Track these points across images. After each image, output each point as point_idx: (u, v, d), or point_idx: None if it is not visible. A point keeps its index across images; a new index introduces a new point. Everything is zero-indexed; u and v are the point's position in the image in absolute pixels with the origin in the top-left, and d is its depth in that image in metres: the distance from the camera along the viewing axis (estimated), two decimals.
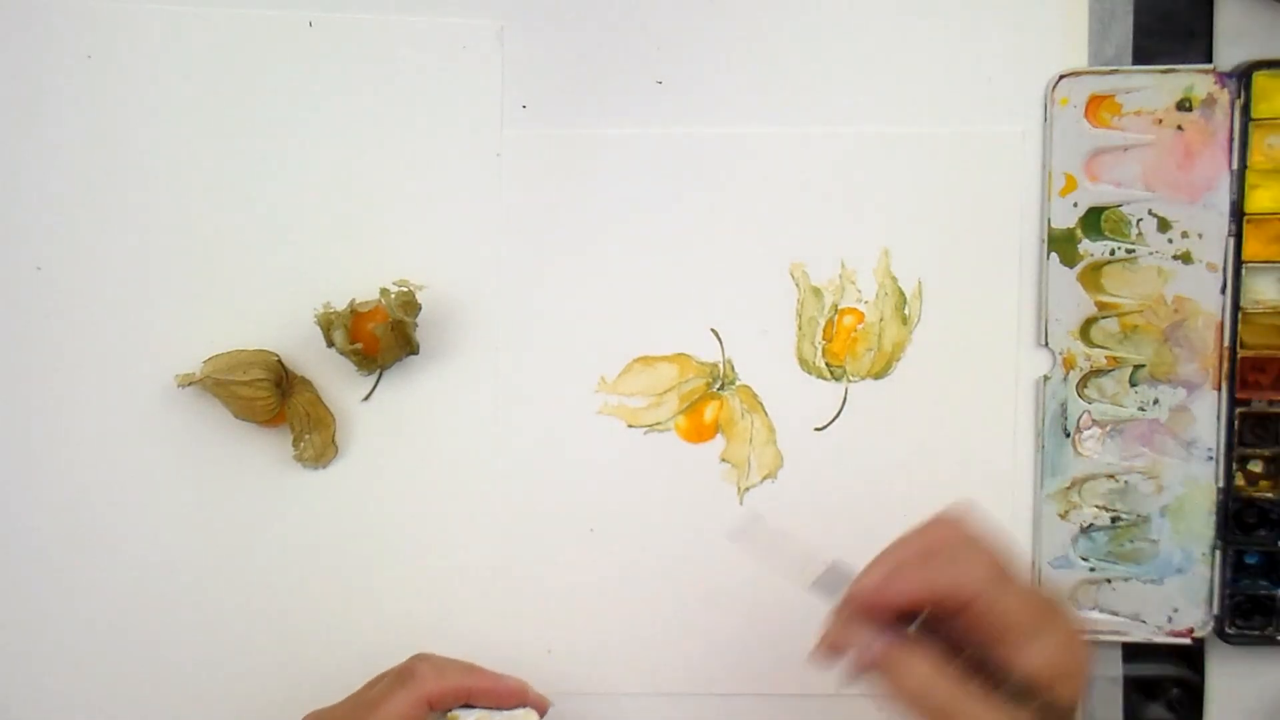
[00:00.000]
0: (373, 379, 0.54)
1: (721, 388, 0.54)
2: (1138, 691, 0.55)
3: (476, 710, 0.47)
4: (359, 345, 0.51)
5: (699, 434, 0.54)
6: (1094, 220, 0.53)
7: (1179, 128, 0.52)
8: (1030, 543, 0.54)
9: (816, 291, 0.54)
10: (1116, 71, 0.53)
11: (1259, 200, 0.52)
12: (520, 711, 0.48)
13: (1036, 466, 0.54)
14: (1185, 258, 0.53)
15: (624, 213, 0.54)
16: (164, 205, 0.53)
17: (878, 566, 0.43)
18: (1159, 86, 0.52)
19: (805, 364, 0.54)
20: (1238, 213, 0.52)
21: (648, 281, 0.54)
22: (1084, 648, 0.41)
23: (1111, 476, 0.53)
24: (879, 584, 0.42)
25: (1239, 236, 0.52)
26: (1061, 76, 0.53)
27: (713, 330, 0.54)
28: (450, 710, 0.47)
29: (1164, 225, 0.53)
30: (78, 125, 0.53)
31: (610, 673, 0.54)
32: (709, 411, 0.54)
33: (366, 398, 0.54)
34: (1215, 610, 0.53)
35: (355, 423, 0.54)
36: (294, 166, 0.53)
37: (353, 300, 0.52)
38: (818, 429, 0.54)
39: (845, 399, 0.54)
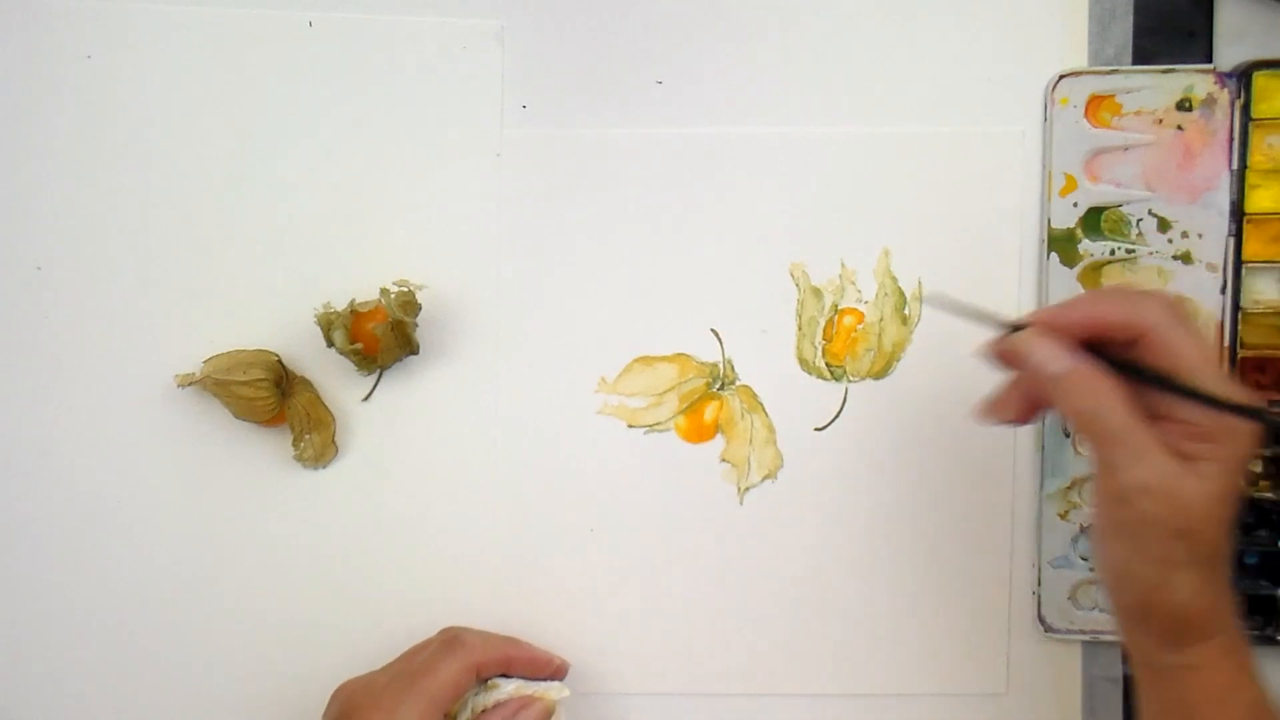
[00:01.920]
0: (373, 379, 0.54)
1: (721, 388, 0.54)
2: None
3: (514, 680, 0.50)
4: (359, 345, 0.51)
5: (699, 434, 0.54)
6: (1094, 220, 0.53)
7: (1179, 128, 0.52)
8: (1030, 543, 0.54)
9: (816, 291, 0.54)
10: (1116, 71, 0.53)
11: (1259, 200, 0.52)
12: (555, 685, 0.50)
13: (1036, 466, 0.54)
14: (1185, 258, 0.53)
15: (624, 213, 0.54)
16: (164, 205, 0.53)
17: (1063, 301, 0.44)
18: (1159, 86, 0.52)
19: (805, 364, 0.54)
20: (1238, 213, 0.52)
21: (648, 281, 0.54)
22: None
23: None
24: (1062, 307, 0.43)
25: (1239, 236, 0.52)
26: (1061, 76, 0.53)
27: (713, 330, 0.54)
28: (489, 679, 0.49)
29: (1164, 225, 0.53)
30: (77, 125, 0.53)
31: (610, 672, 0.54)
32: (709, 411, 0.54)
33: (366, 398, 0.54)
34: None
35: (355, 423, 0.54)
36: (294, 166, 0.53)
37: (353, 300, 0.52)
38: (818, 429, 0.54)
39: (845, 399, 0.54)
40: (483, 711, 0.49)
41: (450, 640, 0.49)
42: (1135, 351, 0.41)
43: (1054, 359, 0.42)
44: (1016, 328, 0.43)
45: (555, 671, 0.52)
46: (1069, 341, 0.42)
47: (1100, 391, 0.41)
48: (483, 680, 0.49)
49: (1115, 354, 0.42)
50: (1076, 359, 0.42)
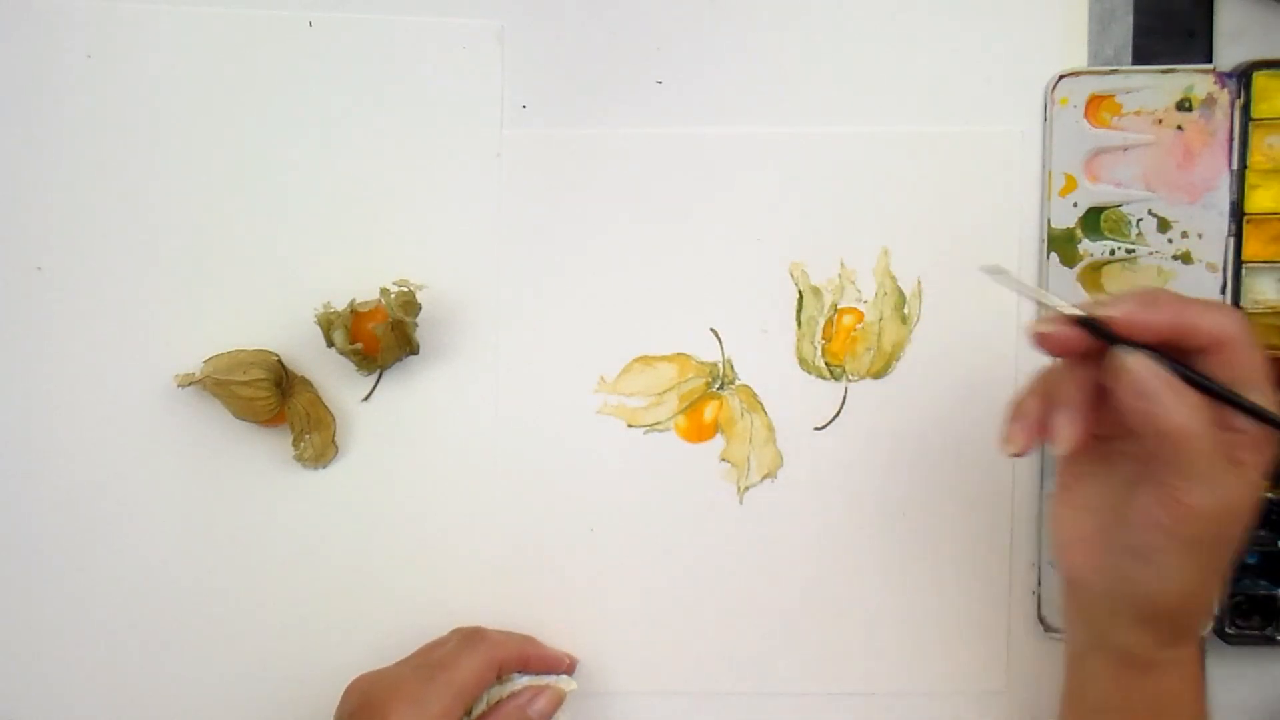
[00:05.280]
0: (373, 379, 0.54)
1: (721, 387, 0.54)
2: None
3: (528, 676, 0.51)
4: (359, 345, 0.51)
5: (699, 434, 0.54)
6: (1094, 220, 0.53)
7: (1179, 128, 0.52)
8: (1030, 543, 0.54)
9: (816, 291, 0.54)
10: (1116, 71, 0.53)
11: (1259, 200, 0.52)
12: (564, 679, 0.52)
13: (1036, 466, 0.54)
14: (1185, 258, 0.53)
15: (624, 213, 0.54)
16: (164, 205, 0.53)
17: (1135, 294, 0.41)
18: (1159, 86, 0.52)
19: (805, 363, 0.54)
20: (1238, 213, 0.52)
21: (647, 281, 0.54)
22: None
23: None
24: (1138, 305, 0.40)
25: (1239, 236, 0.52)
26: (1061, 76, 0.53)
27: (713, 330, 0.54)
28: (505, 676, 0.51)
29: (1164, 225, 0.53)
30: (78, 125, 0.53)
31: (610, 671, 0.54)
32: (709, 411, 0.54)
33: (366, 398, 0.54)
34: (1215, 610, 0.53)
35: (355, 423, 0.54)
36: (294, 166, 0.53)
37: (353, 300, 0.52)
38: (817, 428, 0.54)
39: (845, 399, 0.54)
40: (498, 702, 0.50)
41: (472, 635, 0.50)
42: (1199, 360, 0.40)
43: (1153, 377, 0.40)
44: (1089, 320, 0.41)
45: (567, 669, 0.53)
46: (1152, 346, 0.40)
47: (1189, 405, 0.39)
48: (499, 677, 0.50)
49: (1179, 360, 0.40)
50: (1178, 380, 0.40)
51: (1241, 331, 0.40)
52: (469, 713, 0.49)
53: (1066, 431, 0.42)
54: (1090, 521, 0.43)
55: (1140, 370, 0.40)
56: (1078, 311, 0.41)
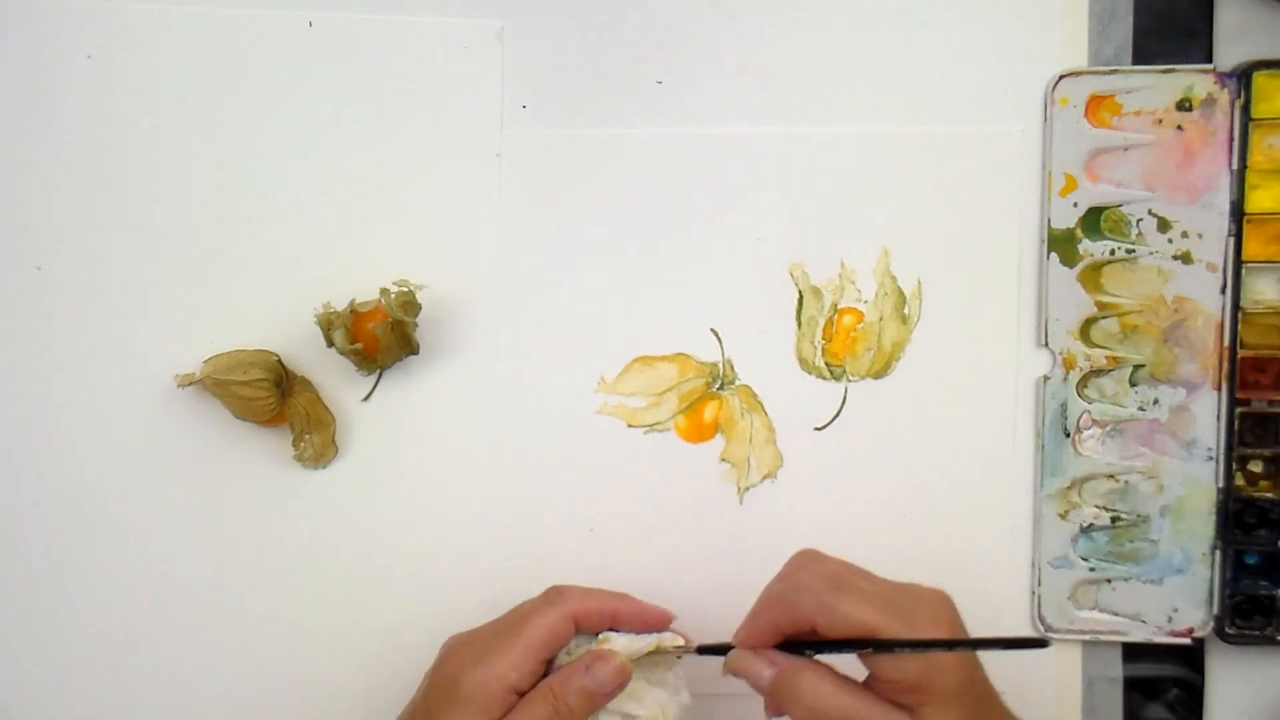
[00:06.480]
0: (373, 379, 0.54)
1: (721, 387, 0.54)
2: (1137, 691, 0.55)
3: (625, 634, 0.48)
4: (359, 345, 0.51)
5: (699, 434, 0.54)
6: (1094, 220, 0.53)
7: (1179, 128, 0.52)
8: (1030, 543, 0.54)
9: (816, 291, 0.54)
10: (1116, 71, 0.53)
11: (1259, 200, 0.52)
12: (667, 635, 0.48)
13: (1036, 466, 0.54)
14: (1185, 258, 0.53)
15: (624, 213, 0.54)
16: (164, 205, 0.53)
17: (745, 621, 0.46)
18: (1159, 86, 0.52)
19: (805, 364, 0.54)
20: (1238, 213, 0.52)
21: (648, 281, 0.54)
22: (951, 625, 0.43)
23: (1111, 476, 0.53)
24: (749, 619, 0.46)
25: (1239, 236, 0.52)
26: (1061, 76, 0.53)
27: (713, 330, 0.54)
28: (600, 633, 0.48)
29: (1164, 225, 0.53)
30: (78, 125, 0.53)
31: None
32: (709, 411, 0.54)
33: (366, 398, 0.54)
34: (1215, 610, 0.53)
35: (355, 423, 0.54)
36: (294, 166, 0.53)
37: (353, 300, 0.52)
38: (817, 429, 0.54)
39: (845, 399, 0.54)
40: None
41: (550, 592, 0.49)
42: (823, 636, 0.43)
43: (759, 671, 0.44)
44: (707, 649, 0.46)
45: (665, 624, 0.50)
46: (770, 650, 0.44)
47: (811, 683, 0.43)
48: (592, 634, 0.48)
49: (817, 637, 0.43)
50: (777, 663, 0.44)
51: (813, 601, 0.43)
52: (550, 669, 0.47)
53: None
54: None
55: (735, 665, 0.45)
56: (716, 644, 0.47)
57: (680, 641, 0.48)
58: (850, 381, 0.54)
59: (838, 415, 0.54)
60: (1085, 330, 0.53)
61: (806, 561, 0.45)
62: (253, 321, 0.53)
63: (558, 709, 0.46)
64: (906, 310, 0.54)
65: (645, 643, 0.47)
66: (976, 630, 0.55)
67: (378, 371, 0.53)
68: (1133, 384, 0.53)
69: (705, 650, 0.47)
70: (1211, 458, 0.53)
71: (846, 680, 0.43)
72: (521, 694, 0.46)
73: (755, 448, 0.54)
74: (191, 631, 0.54)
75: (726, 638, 0.54)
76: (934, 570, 0.54)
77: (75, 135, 0.53)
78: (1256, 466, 0.53)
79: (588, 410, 0.54)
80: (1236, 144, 0.52)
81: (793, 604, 0.44)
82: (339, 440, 0.53)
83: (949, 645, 0.42)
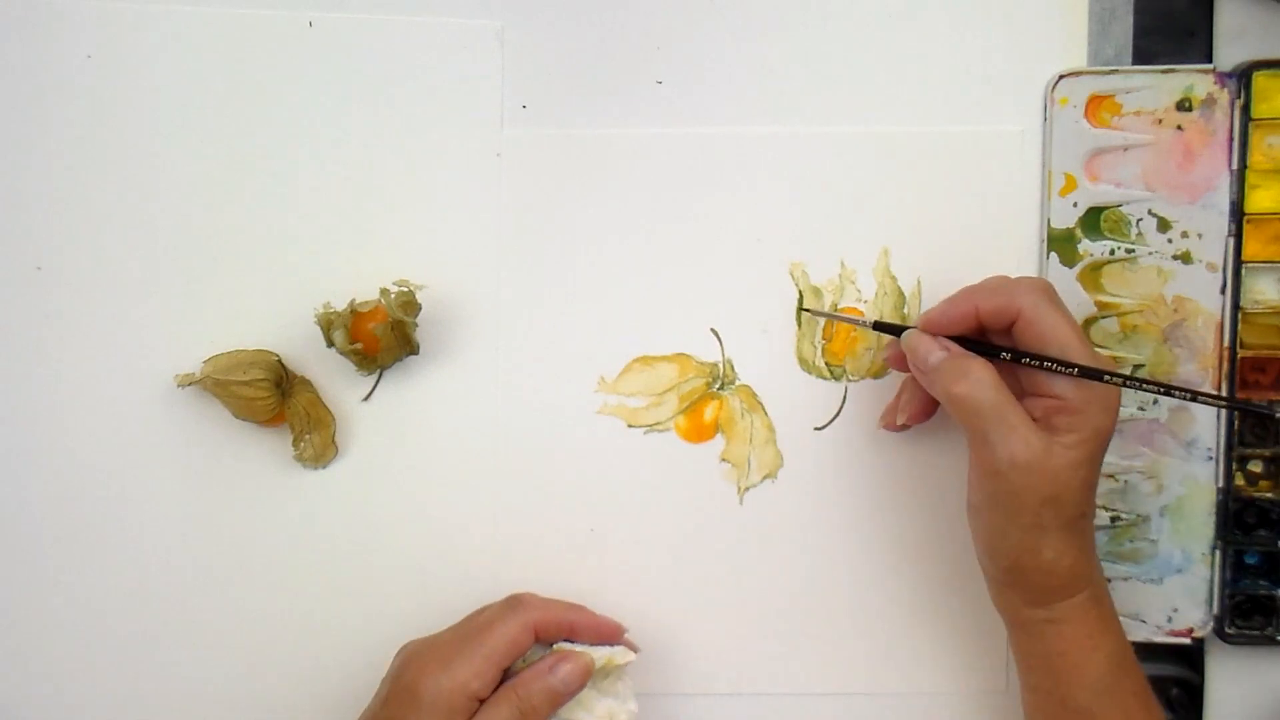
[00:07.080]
0: (373, 379, 0.54)
1: (721, 387, 0.54)
2: None
3: (579, 644, 0.50)
4: (359, 345, 0.51)
5: (699, 434, 0.54)
6: (1094, 220, 0.53)
7: (1179, 128, 0.52)
8: None
9: (816, 291, 0.54)
10: (1116, 71, 0.53)
11: (1259, 200, 0.52)
12: (619, 649, 0.50)
13: None
14: (1185, 258, 0.53)
15: (624, 212, 0.54)
16: (164, 205, 0.53)
17: (941, 304, 0.49)
18: (1159, 86, 0.52)
19: (805, 364, 0.54)
20: (1238, 213, 0.52)
21: (648, 281, 0.54)
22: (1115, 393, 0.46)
23: (1111, 476, 0.53)
24: (943, 304, 0.48)
25: (1239, 236, 0.52)
26: (1061, 76, 0.53)
27: (713, 330, 0.54)
28: (555, 643, 0.50)
29: (1164, 225, 0.53)
30: (78, 125, 0.53)
31: None
32: (709, 411, 0.54)
33: (366, 398, 0.54)
34: (1215, 610, 0.53)
35: (355, 423, 0.54)
36: (294, 166, 0.53)
37: (353, 300, 0.52)
38: (818, 429, 0.54)
39: (845, 398, 0.54)
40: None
41: (511, 600, 0.50)
42: (1011, 336, 0.46)
43: (930, 351, 0.47)
44: (882, 326, 0.51)
45: (618, 636, 0.52)
46: (943, 337, 0.48)
47: (972, 374, 0.45)
48: (547, 644, 0.50)
49: (994, 341, 0.47)
50: (949, 348, 0.47)
51: (1035, 299, 0.46)
52: (506, 676, 0.48)
53: (904, 410, 0.51)
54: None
55: (910, 342, 0.48)
56: (870, 320, 0.51)
57: (632, 657, 0.50)
58: (850, 381, 0.54)
59: (838, 415, 0.54)
60: (1085, 330, 0.53)
61: (1017, 276, 0.48)
62: (253, 321, 0.53)
63: (522, 709, 0.47)
64: (906, 310, 0.54)
65: (600, 654, 0.49)
66: (977, 629, 0.55)
67: (378, 371, 0.53)
68: None
69: (879, 327, 0.51)
70: (1211, 458, 0.53)
71: (1010, 383, 0.46)
72: (482, 701, 0.47)
73: (755, 448, 0.54)
74: (191, 631, 0.54)
75: (727, 637, 0.55)
76: (934, 569, 0.54)
77: (75, 135, 0.53)
78: (1256, 466, 0.53)
79: (588, 410, 0.54)
80: (1236, 144, 0.52)
81: (1010, 292, 0.46)
82: (339, 440, 0.53)
83: (1166, 389, 0.47)
